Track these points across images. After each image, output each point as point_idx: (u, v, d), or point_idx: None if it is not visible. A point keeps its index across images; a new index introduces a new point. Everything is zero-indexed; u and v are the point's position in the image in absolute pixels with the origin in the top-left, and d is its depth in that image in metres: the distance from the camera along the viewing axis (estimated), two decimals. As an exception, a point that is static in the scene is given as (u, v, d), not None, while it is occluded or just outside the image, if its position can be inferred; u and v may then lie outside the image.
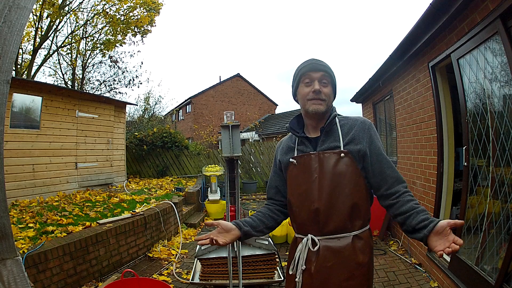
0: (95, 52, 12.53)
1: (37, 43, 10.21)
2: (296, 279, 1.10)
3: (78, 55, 12.19)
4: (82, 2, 10.60)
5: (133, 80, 14.00)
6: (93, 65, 13.33)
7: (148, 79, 21.05)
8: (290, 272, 1.15)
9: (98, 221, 3.21)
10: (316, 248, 1.08)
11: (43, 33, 10.27)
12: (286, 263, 1.56)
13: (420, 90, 3.17)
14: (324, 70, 1.13)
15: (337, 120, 1.17)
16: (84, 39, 11.79)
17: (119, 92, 15.33)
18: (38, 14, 9.73)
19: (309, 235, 1.10)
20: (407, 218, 1.03)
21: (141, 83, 19.56)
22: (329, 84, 1.15)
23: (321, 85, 1.13)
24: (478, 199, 2.19)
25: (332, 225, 1.07)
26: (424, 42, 2.72)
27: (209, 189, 5.81)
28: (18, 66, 10.20)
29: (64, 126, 5.47)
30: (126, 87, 15.32)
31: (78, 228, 2.97)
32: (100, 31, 11.71)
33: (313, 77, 1.13)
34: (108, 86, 13.79)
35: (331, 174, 1.08)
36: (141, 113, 17.45)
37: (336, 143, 1.12)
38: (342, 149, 1.10)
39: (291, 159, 1.17)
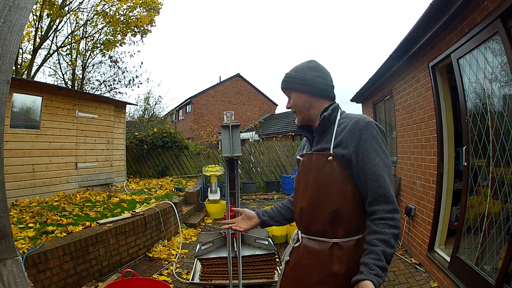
0: (95, 52, 12.53)
1: (37, 43, 10.21)
2: (280, 267, 1.17)
3: (78, 55, 12.20)
4: (82, 2, 10.61)
5: (133, 80, 14.01)
6: (93, 65, 13.34)
7: (148, 79, 21.00)
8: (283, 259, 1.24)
9: (98, 221, 3.21)
10: (297, 244, 1.14)
11: (43, 33, 10.27)
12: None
13: (420, 90, 3.17)
14: (283, 87, 1.18)
15: (337, 118, 1.10)
16: (84, 39, 11.80)
17: (119, 92, 15.35)
18: (38, 14, 9.73)
19: (297, 231, 1.18)
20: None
21: (141, 83, 19.57)
22: (293, 92, 1.15)
23: (288, 100, 1.18)
24: (478, 199, 2.19)
25: (313, 227, 1.08)
26: (424, 42, 2.72)
27: (209, 189, 5.82)
28: (18, 66, 10.20)
29: (64, 126, 5.47)
30: (126, 87, 15.34)
31: (78, 228, 2.97)
32: (100, 31, 11.71)
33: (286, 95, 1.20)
34: (108, 86, 13.80)
35: (317, 176, 1.07)
36: (141, 113, 17.45)
37: (327, 144, 1.07)
38: (331, 151, 1.05)
39: (298, 157, 1.23)
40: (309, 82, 1.12)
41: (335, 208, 1.02)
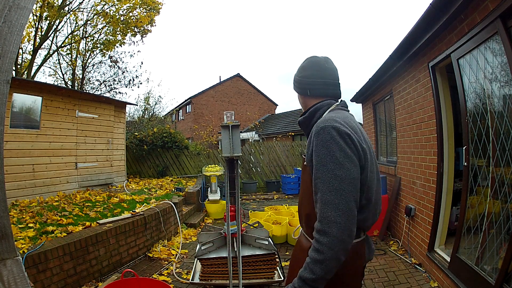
0: (95, 52, 12.54)
1: (37, 43, 10.21)
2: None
3: (78, 55, 12.20)
4: (82, 2, 10.62)
5: (133, 80, 14.02)
6: (93, 65, 13.35)
7: (148, 79, 21.03)
8: None
9: (98, 221, 3.21)
10: (297, 237, 1.24)
11: (43, 33, 10.27)
12: (286, 263, 1.60)
13: (420, 90, 3.17)
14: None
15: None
16: (84, 39, 11.80)
17: (119, 92, 15.39)
18: (38, 14, 9.73)
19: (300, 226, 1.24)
20: None
21: (141, 83, 19.59)
22: (297, 94, 1.20)
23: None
24: (478, 199, 2.19)
25: (301, 225, 1.17)
26: (424, 42, 2.72)
27: (209, 189, 5.81)
28: (18, 66, 10.20)
29: (64, 126, 5.47)
30: (126, 87, 15.35)
31: (78, 228, 2.97)
32: (100, 31, 11.72)
33: None
34: (108, 86, 13.81)
35: (301, 180, 1.14)
36: (141, 113, 17.47)
37: (307, 148, 1.06)
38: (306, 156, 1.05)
39: (303, 155, 1.26)
40: (298, 84, 1.16)
41: (307, 213, 1.06)
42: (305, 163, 1.05)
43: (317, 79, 1.09)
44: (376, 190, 1.04)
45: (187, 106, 21.78)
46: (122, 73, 14.02)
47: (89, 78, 13.55)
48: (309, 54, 1.20)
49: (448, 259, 2.56)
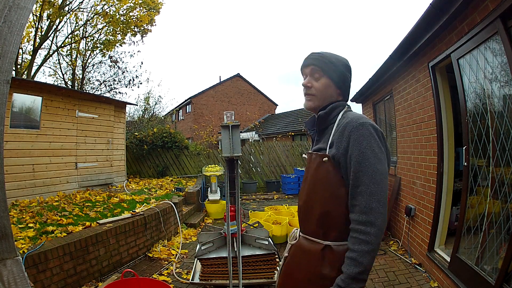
0: (95, 52, 12.55)
1: (37, 43, 10.21)
2: (280, 262, 1.14)
3: (78, 55, 12.21)
4: (82, 2, 10.62)
5: (133, 80, 14.03)
6: (93, 65, 13.36)
7: (148, 79, 21.04)
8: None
9: (98, 221, 3.21)
10: (294, 241, 1.15)
11: (43, 33, 10.27)
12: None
13: (420, 90, 3.17)
14: (312, 64, 1.08)
15: (338, 118, 1.05)
16: (84, 39, 11.81)
17: (119, 92, 15.40)
18: (38, 14, 9.73)
19: (296, 229, 1.19)
20: None
21: (141, 83, 19.60)
22: (323, 77, 1.07)
23: (311, 79, 1.09)
24: (478, 199, 2.19)
25: (307, 227, 1.09)
26: (424, 42, 2.72)
27: (209, 189, 5.81)
28: (18, 66, 10.20)
29: (64, 126, 5.47)
30: (126, 87, 15.36)
31: (78, 228, 2.97)
32: (100, 31, 11.72)
33: (305, 72, 1.11)
34: (108, 86, 13.81)
35: (312, 176, 1.06)
36: (141, 113, 17.45)
37: (324, 144, 1.04)
38: (326, 152, 1.01)
39: (304, 155, 1.23)
40: (344, 79, 1.09)
41: (326, 210, 1.00)
42: (324, 159, 1.00)
43: (349, 82, 1.13)
44: None
45: (187, 106, 21.78)
46: (122, 73, 14.04)
47: (89, 78, 13.58)
48: (309, 53, 1.18)
49: (448, 259, 2.56)
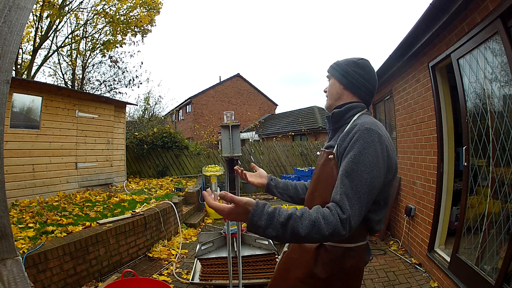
0: (95, 52, 12.53)
1: (37, 43, 10.21)
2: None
3: (78, 55, 12.20)
4: (82, 2, 10.62)
5: (133, 80, 14.01)
6: (93, 65, 13.34)
7: (148, 79, 20.99)
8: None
9: (98, 221, 3.21)
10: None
11: (43, 33, 10.27)
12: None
13: (420, 90, 3.17)
14: (328, 71, 1.20)
15: (354, 118, 1.07)
16: (84, 39, 11.80)
17: (119, 92, 15.34)
18: (38, 14, 9.73)
19: None
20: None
21: (141, 83, 19.55)
22: (331, 78, 1.17)
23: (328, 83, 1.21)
24: (478, 199, 2.19)
25: None
26: (424, 42, 2.72)
27: (209, 189, 5.81)
28: (18, 66, 10.20)
29: (64, 126, 5.47)
30: (126, 87, 15.34)
31: (78, 228, 2.97)
32: (100, 31, 11.72)
33: None
34: (108, 86, 13.80)
35: (317, 173, 1.08)
36: (141, 113, 17.43)
37: (334, 142, 1.07)
38: (334, 150, 1.03)
39: (317, 152, 1.26)
40: (348, 75, 1.11)
41: (323, 201, 0.98)
42: (329, 156, 1.02)
43: (365, 82, 1.12)
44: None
45: (187, 106, 21.78)
46: (122, 73, 14.03)
47: (89, 78, 13.56)
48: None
49: (448, 259, 2.56)
